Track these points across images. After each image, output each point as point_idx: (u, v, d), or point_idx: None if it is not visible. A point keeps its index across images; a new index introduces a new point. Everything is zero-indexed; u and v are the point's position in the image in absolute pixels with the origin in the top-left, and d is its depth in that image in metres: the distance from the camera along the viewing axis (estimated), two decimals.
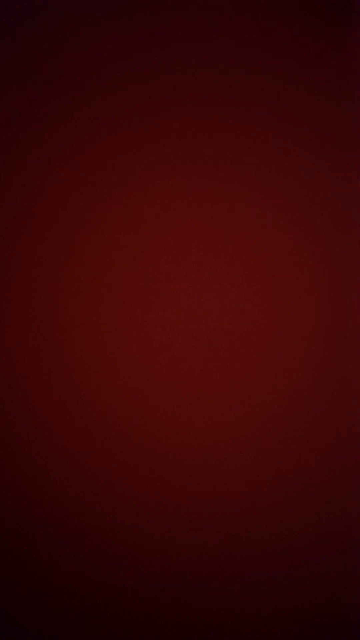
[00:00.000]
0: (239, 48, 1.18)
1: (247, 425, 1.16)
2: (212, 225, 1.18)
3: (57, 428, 1.18)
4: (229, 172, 1.18)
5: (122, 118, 1.19)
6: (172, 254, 1.18)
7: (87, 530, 1.17)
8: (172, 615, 1.16)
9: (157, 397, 1.17)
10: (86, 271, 1.19)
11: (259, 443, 1.16)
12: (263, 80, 1.18)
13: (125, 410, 1.17)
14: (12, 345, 1.19)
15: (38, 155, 1.20)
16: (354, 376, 1.16)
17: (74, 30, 1.20)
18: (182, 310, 1.18)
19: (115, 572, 1.17)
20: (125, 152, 1.19)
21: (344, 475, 1.15)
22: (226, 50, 1.18)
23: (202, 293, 1.18)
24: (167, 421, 1.17)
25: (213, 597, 1.16)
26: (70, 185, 1.20)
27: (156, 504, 1.17)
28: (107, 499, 1.17)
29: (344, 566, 1.15)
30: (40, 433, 1.18)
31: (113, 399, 1.18)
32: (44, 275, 1.19)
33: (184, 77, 1.19)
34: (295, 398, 1.16)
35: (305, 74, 1.18)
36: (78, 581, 1.17)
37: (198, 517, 1.16)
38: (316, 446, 1.16)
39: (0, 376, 1.19)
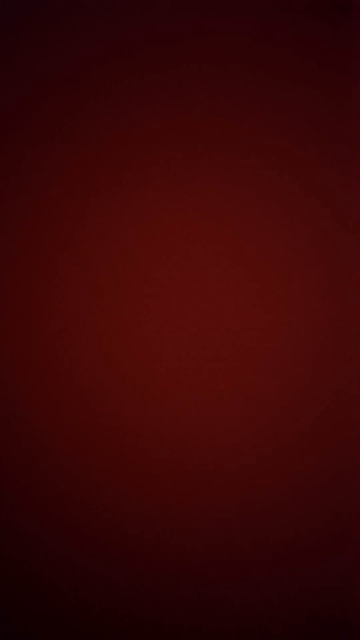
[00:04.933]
0: (240, 47, 1.18)
1: (248, 425, 1.16)
2: (213, 225, 1.18)
3: (57, 428, 1.18)
4: (229, 170, 1.18)
5: (122, 116, 1.19)
6: (172, 253, 1.18)
7: (87, 530, 1.17)
8: (171, 616, 1.16)
9: (157, 397, 1.17)
10: (86, 270, 1.19)
11: (259, 443, 1.16)
12: (264, 80, 1.18)
13: (126, 411, 1.17)
14: (12, 344, 1.19)
15: (38, 154, 1.20)
16: (355, 377, 1.16)
17: (74, 30, 1.20)
18: (183, 310, 1.18)
19: (115, 572, 1.17)
20: (126, 151, 1.19)
21: (345, 477, 1.15)
22: (226, 49, 1.18)
23: (203, 293, 1.18)
24: (167, 422, 1.17)
25: (213, 597, 1.16)
26: (70, 183, 1.20)
27: (157, 505, 1.17)
28: (107, 500, 1.17)
29: (344, 567, 1.15)
30: (40, 433, 1.18)
31: (113, 399, 1.18)
32: (44, 274, 1.19)
33: (184, 76, 1.19)
34: (296, 399, 1.16)
35: (306, 74, 1.18)
36: (78, 582, 1.17)
37: (199, 518, 1.16)
38: (317, 447, 1.16)
39: (0, 376, 1.19)
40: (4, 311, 1.19)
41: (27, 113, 1.20)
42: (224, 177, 1.18)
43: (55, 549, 1.17)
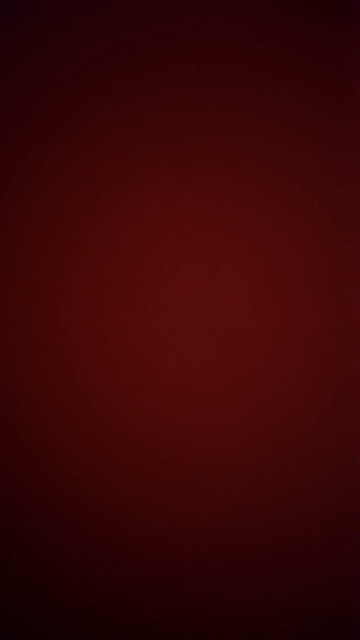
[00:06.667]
0: (240, 47, 1.18)
1: (248, 425, 1.16)
2: (213, 224, 1.18)
3: (57, 428, 1.18)
4: (229, 170, 1.18)
5: (122, 116, 1.19)
6: (173, 253, 1.18)
7: (87, 530, 1.17)
8: (172, 616, 1.16)
9: (157, 397, 1.17)
10: (87, 271, 1.19)
11: (259, 443, 1.16)
12: (264, 80, 1.18)
13: (126, 411, 1.17)
14: (13, 344, 1.19)
15: (38, 154, 1.20)
16: (355, 378, 1.16)
17: (74, 30, 1.20)
18: (183, 311, 1.18)
19: (115, 572, 1.17)
20: (126, 151, 1.19)
21: (345, 477, 1.15)
22: (226, 49, 1.18)
23: (203, 293, 1.18)
24: (167, 421, 1.17)
25: (213, 597, 1.16)
26: (70, 183, 1.20)
27: (157, 505, 1.17)
28: (107, 500, 1.17)
29: (345, 567, 1.15)
30: (40, 433, 1.18)
31: (113, 399, 1.18)
32: (44, 274, 1.19)
33: (184, 76, 1.19)
34: (296, 399, 1.16)
35: (306, 74, 1.18)
36: (78, 582, 1.17)
37: (198, 518, 1.16)
38: (317, 447, 1.16)
39: (0, 376, 1.19)
40: (4, 311, 1.19)
41: (27, 113, 1.20)
42: (224, 177, 1.18)
43: (55, 549, 1.17)
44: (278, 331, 1.17)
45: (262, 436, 1.16)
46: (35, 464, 1.18)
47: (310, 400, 1.16)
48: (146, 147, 1.19)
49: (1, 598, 1.17)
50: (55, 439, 1.18)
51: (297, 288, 1.17)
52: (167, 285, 1.18)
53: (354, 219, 1.17)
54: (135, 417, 1.17)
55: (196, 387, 1.17)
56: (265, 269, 1.17)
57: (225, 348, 1.17)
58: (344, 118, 1.17)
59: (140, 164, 1.19)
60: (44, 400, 1.18)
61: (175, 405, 1.17)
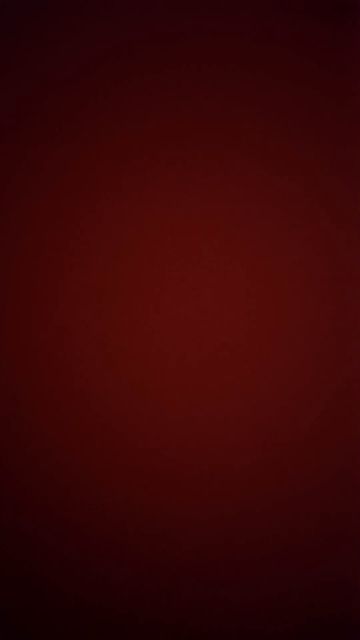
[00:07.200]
0: (240, 47, 1.18)
1: (248, 425, 1.16)
2: (213, 224, 1.18)
3: (57, 428, 1.18)
4: (229, 170, 1.18)
5: (122, 116, 1.19)
6: (173, 253, 1.18)
7: (87, 530, 1.17)
8: (172, 616, 1.16)
9: (157, 397, 1.17)
10: (87, 271, 1.19)
11: (259, 443, 1.16)
12: (264, 80, 1.18)
13: (126, 411, 1.17)
14: (13, 345, 1.19)
15: (38, 154, 1.20)
16: (355, 378, 1.16)
17: (74, 30, 1.20)
18: (183, 311, 1.18)
19: (115, 572, 1.17)
20: (126, 151, 1.19)
21: (345, 477, 1.15)
22: (226, 49, 1.18)
23: (203, 294, 1.18)
24: (167, 422, 1.17)
25: (213, 597, 1.16)
26: (70, 183, 1.20)
27: (157, 505, 1.17)
28: (107, 500, 1.17)
29: (344, 567, 1.15)
30: (40, 433, 1.18)
31: (113, 399, 1.18)
32: (44, 274, 1.19)
33: (184, 76, 1.19)
34: (296, 399, 1.16)
35: (306, 74, 1.18)
36: (78, 582, 1.17)
37: (198, 518, 1.16)
38: (317, 447, 1.16)
39: (0, 376, 1.19)
40: (4, 311, 1.19)
41: (27, 113, 1.20)
42: (224, 177, 1.18)
43: (55, 549, 1.17)
44: (278, 331, 1.17)
45: (262, 436, 1.16)
46: (35, 464, 1.18)
47: (310, 400, 1.16)
48: (146, 147, 1.19)
49: (1, 598, 1.17)
50: (55, 439, 1.18)
51: (297, 288, 1.17)
52: (167, 285, 1.18)
53: (354, 219, 1.17)
54: (135, 417, 1.17)
55: (196, 387, 1.17)
56: (265, 269, 1.17)
57: (225, 348, 1.17)
58: (344, 118, 1.17)
59: (140, 163, 1.19)
60: (44, 400, 1.18)
61: (175, 405, 1.17)
